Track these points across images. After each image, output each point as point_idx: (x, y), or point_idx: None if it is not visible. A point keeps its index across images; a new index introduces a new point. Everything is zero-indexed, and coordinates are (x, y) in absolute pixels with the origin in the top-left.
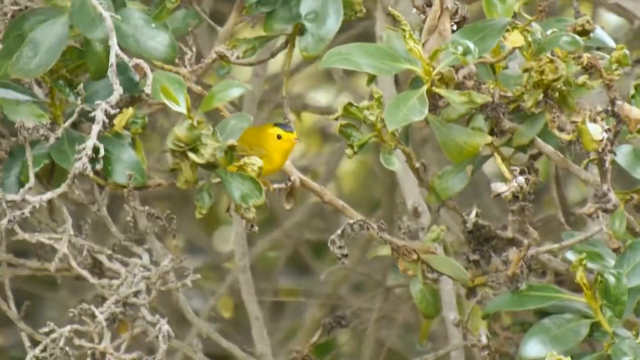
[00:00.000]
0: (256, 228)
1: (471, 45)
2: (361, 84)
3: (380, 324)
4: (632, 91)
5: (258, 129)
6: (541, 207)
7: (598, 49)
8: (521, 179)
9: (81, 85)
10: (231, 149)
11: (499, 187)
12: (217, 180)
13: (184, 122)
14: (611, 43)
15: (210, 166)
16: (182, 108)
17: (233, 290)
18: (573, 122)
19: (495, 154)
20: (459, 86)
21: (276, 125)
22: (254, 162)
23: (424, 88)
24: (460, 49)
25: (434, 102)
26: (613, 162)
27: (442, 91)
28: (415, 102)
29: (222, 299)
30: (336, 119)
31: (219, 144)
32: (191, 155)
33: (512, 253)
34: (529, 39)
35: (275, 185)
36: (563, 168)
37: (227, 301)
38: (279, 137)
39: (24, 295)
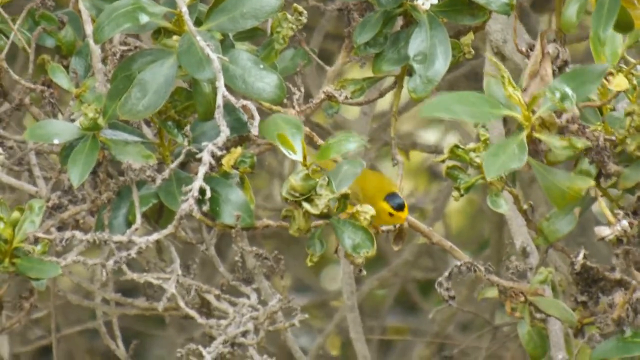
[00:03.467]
0: (364, 272)
1: (569, 91)
2: (469, 123)
3: None
4: None
5: (371, 191)
6: None
7: None
8: (625, 222)
9: (189, 126)
10: (344, 197)
11: (603, 230)
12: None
13: (300, 172)
14: None
15: (324, 216)
16: (298, 156)
17: (341, 328)
18: None
19: (599, 198)
20: (562, 130)
21: (388, 199)
22: (367, 211)
23: (524, 134)
24: (558, 94)
25: (535, 148)
26: None
27: (542, 136)
28: (514, 149)
29: (329, 338)
30: (443, 161)
31: (334, 195)
32: (305, 205)
33: (618, 296)
34: (634, 82)
35: (384, 228)
36: None
37: (335, 340)
38: (390, 215)
39: (132, 334)
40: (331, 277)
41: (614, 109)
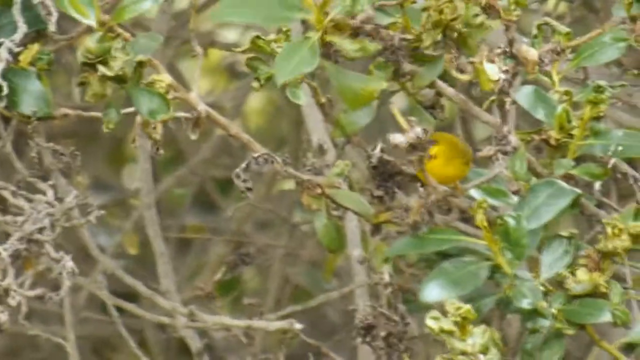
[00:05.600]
0: (162, 151)
1: None
2: None
3: (285, 261)
4: (535, 31)
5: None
6: None
7: None
8: (418, 129)
9: None
10: (140, 64)
11: (397, 137)
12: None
13: (95, 34)
14: None
15: (119, 80)
16: (91, 20)
17: (139, 227)
18: (471, 62)
19: (392, 106)
20: (357, 31)
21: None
22: (163, 79)
23: (316, 37)
24: None
25: (328, 50)
26: (515, 102)
27: (334, 39)
28: (306, 52)
29: (127, 236)
30: (243, 52)
31: (129, 57)
32: (100, 67)
33: (414, 200)
34: None
35: (182, 114)
36: (465, 110)
37: (133, 238)
38: None
39: None
40: (131, 176)
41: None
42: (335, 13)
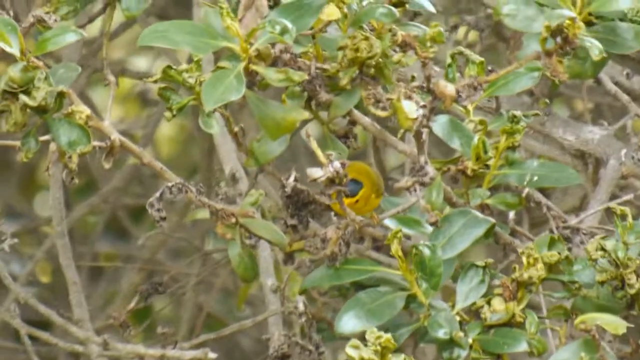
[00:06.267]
0: (76, 180)
1: (289, 25)
2: (180, 50)
3: (198, 289)
4: (449, 60)
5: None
6: None
7: (415, 14)
8: (337, 164)
9: None
10: (61, 95)
11: (315, 172)
12: (45, 138)
13: (18, 64)
14: (430, 8)
15: (41, 110)
16: (15, 50)
17: (51, 255)
18: (388, 99)
19: (310, 140)
20: (276, 60)
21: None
22: (82, 110)
23: (241, 66)
24: (278, 28)
25: (252, 79)
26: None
27: (259, 69)
28: (232, 81)
29: (40, 264)
30: (155, 81)
31: (52, 88)
32: (23, 97)
33: (331, 231)
34: (345, 10)
35: (95, 144)
36: (380, 139)
37: (45, 266)
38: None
39: None
40: (43, 203)
41: (326, 31)
42: (260, 43)
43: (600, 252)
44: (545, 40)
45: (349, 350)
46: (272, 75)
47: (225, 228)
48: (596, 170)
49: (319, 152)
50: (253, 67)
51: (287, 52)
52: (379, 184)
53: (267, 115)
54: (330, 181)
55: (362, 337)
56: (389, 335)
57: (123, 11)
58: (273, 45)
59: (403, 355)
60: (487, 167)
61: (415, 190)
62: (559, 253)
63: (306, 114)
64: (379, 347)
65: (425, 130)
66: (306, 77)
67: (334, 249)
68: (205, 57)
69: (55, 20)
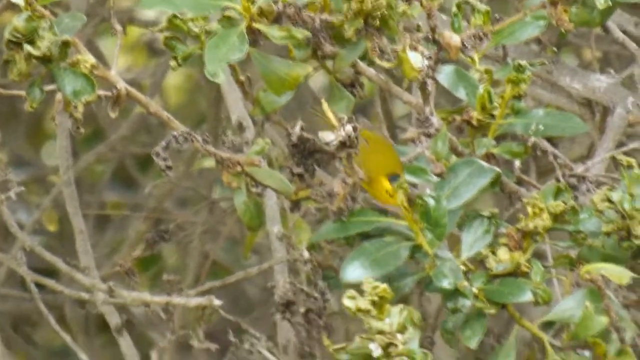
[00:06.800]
0: (82, 130)
1: None
2: None
3: (205, 237)
4: (454, 9)
5: (374, 167)
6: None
7: None
8: (349, 127)
9: None
10: (66, 44)
11: (327, 136)
12: (51, 87)
13: (23, 14)
14: None
15: (45, 60)
16: (20, 0)
17: (58, 203)
18: (394, 50)
19: (323, 101)
20: (280, 15)
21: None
22: (87, 60)
23: (243, 25)
24: None
25: (255, 37)
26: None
27: (262, 27)
28: (235, 41)
29: (46, 212)
30: (161, 31)
31: (56, 37)
32: (27, 46)
33: (337, 185)
34: None
35: (102, 93)
36: (385, 90)
37: (52, 214)
38: (390, 195)
39: None
40: (50, 153)
41: None
42: (262, 0)
43: (606, 203)
44: None
45: (346, 301)
46: (275, 34)
47: (231, 177)
48: (603, 118)
49: (330, 115)
50: (255, 25)
51: (291, 7)
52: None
53: (271, 72)
54: (342, 144)
55: None
56: (385, 285)
57: None
58: (275, 1)
59: (401, 305)
60: (493, 116)
61: (421, 142)
62: (565, 202)
63: (310, 69)
64: (375, 297)
65: (430, 81)
66: (309, 34)
67: (340, 204)
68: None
69: None
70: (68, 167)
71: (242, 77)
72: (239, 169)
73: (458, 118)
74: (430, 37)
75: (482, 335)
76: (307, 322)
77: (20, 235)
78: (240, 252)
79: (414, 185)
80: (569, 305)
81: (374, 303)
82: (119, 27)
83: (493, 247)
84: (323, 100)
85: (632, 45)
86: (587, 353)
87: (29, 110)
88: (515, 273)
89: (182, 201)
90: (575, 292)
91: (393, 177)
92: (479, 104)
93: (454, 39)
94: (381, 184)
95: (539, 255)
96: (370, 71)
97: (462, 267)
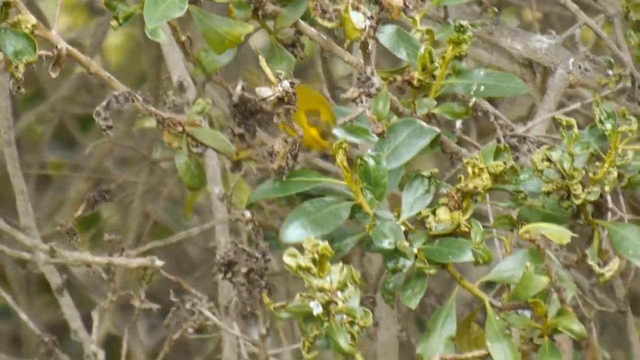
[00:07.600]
0: (23, 90)
1: None
2: None
3: (146, 197)
4: None
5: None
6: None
7: None
8: (286, 83)
9: None
10: (6, 5)
11: (264, 91)
12: None
13: None
14: None
15: None
16: None
17: None
18: (335, 10)
19: (260, 57)
20: None
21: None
22: (28, 20)
23: None
24: None
25: None
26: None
27: None
28: None
29: None
30: None
31: None
32: None
33: (278, 144)
34: None
35: (42, 53)
36: (327, 50)
37: None
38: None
39: None
40: None
41: None
42: None
43: (546, 163)
44: None
45: (287, 259)
46: None
47: (172, 137)
48: (544, 79)
49: (268, 71)
50: None
51: None
52: (332, 111)
53: (212, 30)
54: (279, 100)
55: None
56: (325, 243)
57: None
58: None
59: (341, 263)
60: (434, 77)
61: (362, 102)
62: (505, 163)
63: (251, 28)
64: (316, 255)
65: (371, 41)
66: None
67: (281, 163)
68: None
69: None
70: (9, 127)
71: (183, 37)
72: (180, 129)
73: (399, 78)
74: None
75: (422, 295)
76: (248, 282)
77: None
78: (181, 213)
79: (355, 146)
80: (509, 266)
81: (314, 261)
82: None
83: (433, 208)
84: (260, 57)
85: (573, 7)
86: (527, 313)
87: None
88: (455, 233)
89: (122, 161)
90: (516, 252)
91: (312, 115)
92: (420, 64)
93: (396, 0)
94: (307, 130)
95: (480, 216)
96: (312, 31)
97: (403, 227)
